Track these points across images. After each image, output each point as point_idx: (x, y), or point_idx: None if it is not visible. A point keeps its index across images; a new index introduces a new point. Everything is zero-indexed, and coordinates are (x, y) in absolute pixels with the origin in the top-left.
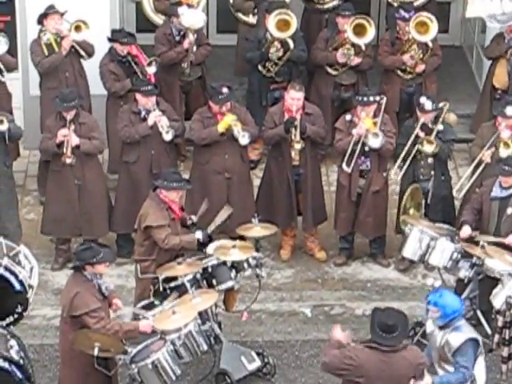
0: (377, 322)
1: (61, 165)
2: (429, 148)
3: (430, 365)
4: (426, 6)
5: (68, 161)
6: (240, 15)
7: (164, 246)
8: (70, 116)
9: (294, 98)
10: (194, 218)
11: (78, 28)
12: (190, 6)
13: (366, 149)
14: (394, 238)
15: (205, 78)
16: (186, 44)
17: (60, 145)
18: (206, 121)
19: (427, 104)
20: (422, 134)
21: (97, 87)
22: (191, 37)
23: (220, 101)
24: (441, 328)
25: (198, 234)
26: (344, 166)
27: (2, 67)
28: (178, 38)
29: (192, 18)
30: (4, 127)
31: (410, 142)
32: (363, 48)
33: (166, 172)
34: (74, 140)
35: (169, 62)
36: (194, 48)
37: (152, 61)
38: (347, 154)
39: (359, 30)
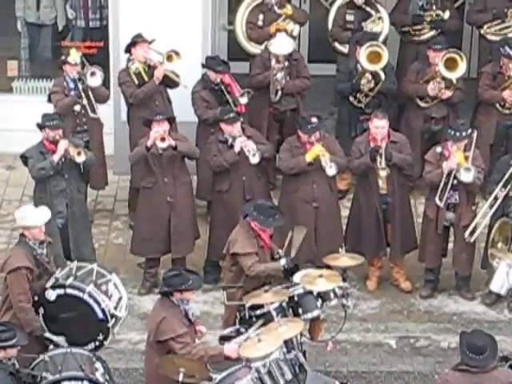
0: (466, 344)
1: (152, 182)
2: None
3: None
4: None
5: (162, 145)
6: (337, 45)
7: (250, 274)
8: (162, 130)
9: (378, 126)
10: (282, 252)
11: (169, 58)
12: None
13: (455, 182)
14: (480, 272)
15: (299, 110)
16: (273, 66)
17: (150, 148)
18: (294, 150)
19: None
20: None
21: (183, 114)
22: (273, 62)
23: (309, 130)
24: None
25: (283, 261)
26: (437, 200)
27: (94, 102)
28: (272, 63)
29: (279, 44)
30: (81, 159)
31: (504, 179)
32: (454, 82)
33: (263, 205)
34: (170, 141)
35: (256, 84)
36: (279, 75)
37: (245, 92)
38: (439, 189)
39: (450, 64)
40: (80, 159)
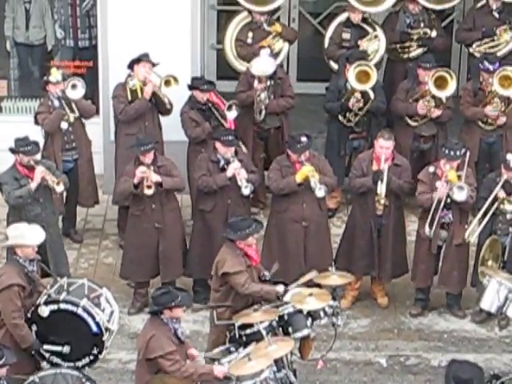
0: (452, 375)
1: (140, 209)
2: (509, 207)
3: None
4: (509, 56)
5: (149, 192)
6: (332, 63)
7: (243, 291)
8: (148, 159)
9: (383, 146)
10: (268, 275)
11: (167, 82)
12: (271, 52)
13: (448, 201)
14: (470, 290)
15: (283, 128)
16: (256, 87)
17: (138, 185)
18: (284, 170)
19: None
20: (502, 194)
21: (173, 133)
22: (255, 83)
23: (298, 150)
24: None
25: (280, 288)
26: (426, 228)
27: (77, 112)
28: (255, 85)
29: (260, 65)
30: (60, 188)
31: (490, 199)
32: (444, 101)
33: (235, 222)
34: (155, 177)
35: (240, 102)
36: (263, 95)
37: (231, 104)
38: (429, 218)
39: (440, 83)
40: (59, 189)
